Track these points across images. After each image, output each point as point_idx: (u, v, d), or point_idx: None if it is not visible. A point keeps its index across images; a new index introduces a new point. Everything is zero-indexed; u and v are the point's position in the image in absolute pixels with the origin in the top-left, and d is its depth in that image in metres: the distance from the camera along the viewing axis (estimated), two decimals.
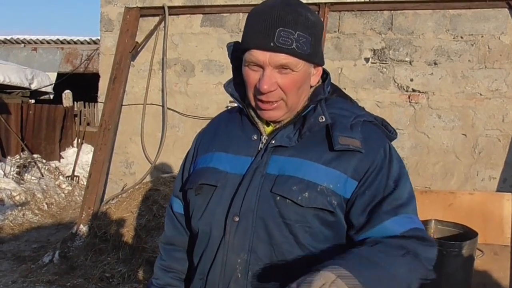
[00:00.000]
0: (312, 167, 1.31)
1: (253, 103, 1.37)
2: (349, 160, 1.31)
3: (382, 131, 1.42)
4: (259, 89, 1.29)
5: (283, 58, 1.27)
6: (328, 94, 1.41)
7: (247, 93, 1.37)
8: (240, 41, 1.44)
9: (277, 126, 1.39)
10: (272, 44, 1.26)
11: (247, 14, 5.09)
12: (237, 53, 1.43)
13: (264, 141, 1.38)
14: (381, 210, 1.28)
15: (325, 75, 1.44)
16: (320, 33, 1.36)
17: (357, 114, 1.39)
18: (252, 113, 1.41)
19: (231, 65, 1.47)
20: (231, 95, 1.44)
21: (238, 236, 1.31)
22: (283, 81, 1.29)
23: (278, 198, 1.29)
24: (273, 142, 1.35)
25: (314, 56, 1.33)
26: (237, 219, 1.32)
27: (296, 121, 1.37)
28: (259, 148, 1.37)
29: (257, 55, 1.28)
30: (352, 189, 1.31)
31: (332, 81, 1.46)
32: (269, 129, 1.40)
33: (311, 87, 1.41)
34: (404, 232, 1.26)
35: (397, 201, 1.30)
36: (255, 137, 1.39)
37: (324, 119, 1.34)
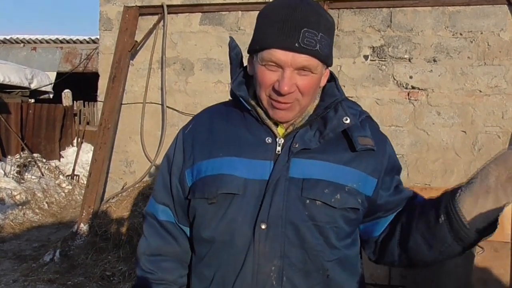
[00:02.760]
0: (336, 169, 1.32)
1: (265, 103, 1.32)
2: (367, 159, 1.35)
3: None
4: (279, 90, 1.25)
5: (305, 59, 1.24)
6: (344, 94, 1.40)
7: (258, 93, 1.32)
8: (238, 38, 1.43)
9: (291, 128, 1.36)
10: (297, 44, 1.22)
11: (246, 12, 5.10)
12: (236, 50, 1.40)
13: (281, 144, 1.33)
14: (404, 191, 1.45)
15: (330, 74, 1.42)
16: (334, 34, 1.35)
17: (359, 110, 1.40)
18: (263, 115, 1.35)
19: (230, 63, 1.43)
20: (241, 97, 1.37)
21: (269, 243, 1.28)
22: (302, 83, 1.26)
23: (307, 201, 1.29)
24: (296, 145, 1.31)
25: (331, 58, 1.33)
26: (264, 226, 1.28)
27: (312, 122, 1.35)
28: (276, 151, 1.33)
29: (279, 55, 1.24)
30: (372, 186, 1.36)
31: None
32: (280, 130, 1.36)
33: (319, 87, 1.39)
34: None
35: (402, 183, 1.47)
36: (270, 140, 1.34)
37: (348, 121, 1.33)
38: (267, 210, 1.29)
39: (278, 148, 1.33)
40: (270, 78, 1.27)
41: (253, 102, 1.37)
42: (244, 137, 1.36)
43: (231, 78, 1.43)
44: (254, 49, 1.31)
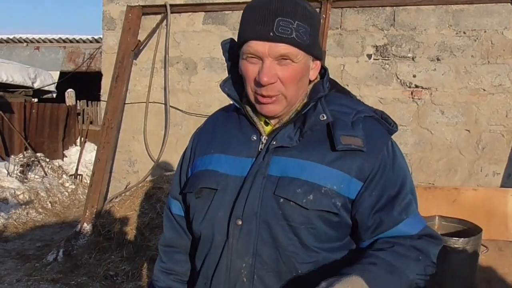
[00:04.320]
0: (315, 168, 1.27)
1: (252, 98, 1.32)
2: (352, 160, 1.28)
3: (383, 125, 1.37)
4: (259, 82, 1.25)
5: (283, 48, 1.23)
6: (327, 90, 1.37)
7: (245, 89, 1.33)
8: (226, 39, 1.42)
9: (277, 126, 1.35)
10: (271, 33, 1.22)
11: None
12: (232, 50, 1.39)
13: (264, 142, 1.34)
14: (392, 212, 1.28)
15: (323, 70, 1.40)
16: (317, 25, 1.32)
17: (357, 110, 1.35)
18: (251, 113, 1.37)
19: (226, 64, 1.44)
20: (228, 95, 1.41)
21: (242, 240, 1.29)
22: (283, 73, 1.26)
23: (281, 200, 1.26)
24: (274, 143, 1.31)
25: (313, 48, 1.30)
26: (240, 222, 1.29)
27: (296, 119, 1.33)
28: (259, 149, 1.34)
29: (256, 46, 1.24)
30: (357, 189, 1.28)
31: (334, 77, 1.44)
32: (268, 128, 1.37)
33: (309, 82, 1.37)
34: (418, 233, 1.29)
35: (404, 200, 1.30)
36: (255, 138, 1.35)
37: (325, 117, 1.30)
38: (242, 206, 1.29)
39: (261, 146, 1.34)
40: (252, 70, 1.28)
41: (243, 101, 1.39)
42: (234, 135, 1.40)
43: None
44: (238, 45, 1.32)
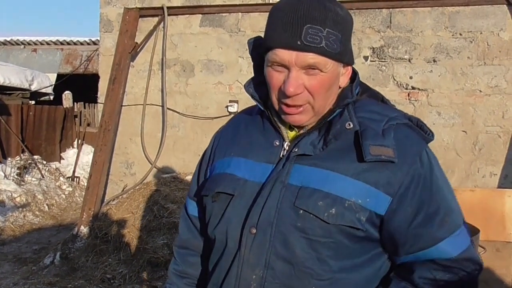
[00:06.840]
0: (339, 180, 1.18)
1: (276, 107, 1.25)
2: (380, 172, 1.18)
3: (418, 133, 1.26)
4: (284, 92, 1.18)
5: (311, 57, 1.16)
6: (356, 96, 1.29)
7: (270, 96, 1.25)
8: (253, 37, 1.35)
9: (301, 132, 1.28)
10: (299, 42, 1.15)
11: (246, 13, 5.10)
12: (259, 49, 1.30)
13: (287, 148, 1.26)
14: (432, 229, 1.19)
15: (353, 74, 1.31)
16: (350, 28, 1.25)
17: (389, 116, 1.25)
18: (275, 117, 1.30)
19: (252, 63, 1.37)
20: (252, 97, 1.33)
21: (254, 250, 1.21)
22: (310, 83, 1.18)
23: (301, 212, 1.18)
24: (296, 150, 1.23)
25: (344, 55, 1.22)
26: (254, 231, 1.21)
27: (321, 126, 1.25)
28: (280, 155, 1.26)
29: (282, 54, 1.17)
30: (385, 204, 1.19)
31: None
32: (292, 134, 1.29)
33: (339, 88, 1.29)
34: (459, 255, 1.21)
35: (448, 216, 1.21)
36: (277, 143, 1.28)
37: (351, 126, 1.21)
38: (257, 214, 1.22)
39: (283, 152, 1.27)
40: (277, 79, 1.21)
41: (268, 103, 1.31)
42: (257, 138, 1.33)
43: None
44: (264, 51, 1.25)
